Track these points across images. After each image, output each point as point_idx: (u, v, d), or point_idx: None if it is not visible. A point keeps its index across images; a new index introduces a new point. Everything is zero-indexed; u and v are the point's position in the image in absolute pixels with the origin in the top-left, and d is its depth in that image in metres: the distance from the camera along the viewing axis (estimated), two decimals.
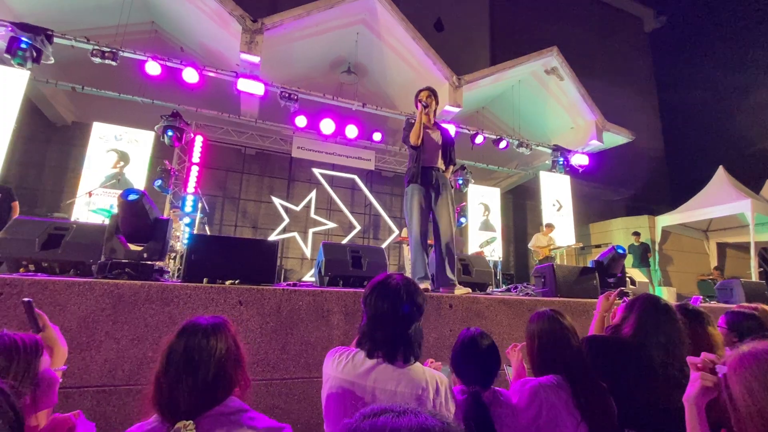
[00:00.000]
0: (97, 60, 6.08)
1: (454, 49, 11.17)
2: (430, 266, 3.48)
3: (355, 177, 10.52)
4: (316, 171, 10.12)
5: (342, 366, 1.26)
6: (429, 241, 3.49)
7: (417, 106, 3.48)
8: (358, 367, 1.24)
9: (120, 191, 7.20)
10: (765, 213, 8.96)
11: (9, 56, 5.68)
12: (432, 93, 3.49)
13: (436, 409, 1.19)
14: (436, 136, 3.51)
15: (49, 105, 8.11)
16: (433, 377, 1.26)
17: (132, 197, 2.57)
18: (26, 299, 1.23)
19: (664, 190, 15.91)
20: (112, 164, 7.21)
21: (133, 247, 2.59)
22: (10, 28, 5.67)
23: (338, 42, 8.01)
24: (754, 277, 8.29)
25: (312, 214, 10.24)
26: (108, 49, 6.12)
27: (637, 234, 9.92)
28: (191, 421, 0.92)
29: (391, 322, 1.27)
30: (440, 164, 3.51)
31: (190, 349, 1.00)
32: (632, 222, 11.22)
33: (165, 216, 6.95)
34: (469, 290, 3.28)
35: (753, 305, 2.17)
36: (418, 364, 1.30)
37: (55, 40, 6.00)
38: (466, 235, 9.80)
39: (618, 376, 1.49)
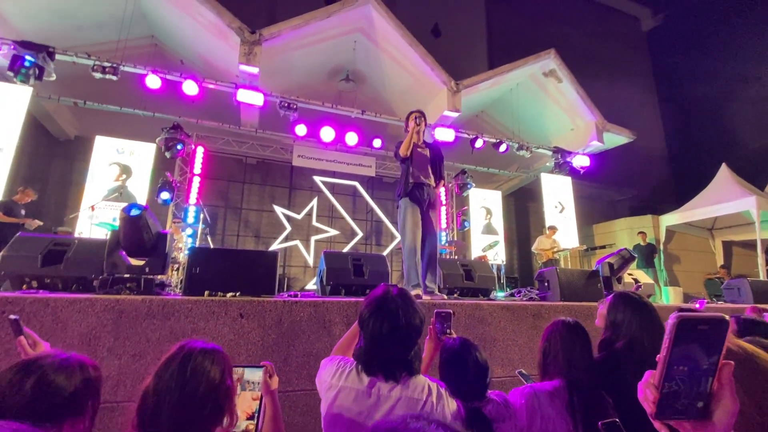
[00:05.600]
0: (98, 75, 6.16)
1: (452, 54, 11.21)
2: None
3: (356, 184, 10.53)
4: (317, 179, 10.14)
5: (346, 375, 1.27)
6: None
7: (407, 125, 3.81)
8: (363, 378, 1.26)
9: (123, 204, 7.27)
10: None
11: (12, 74, 5.76)
12: (421, 114, 3.78)
13: (438, 412, 1.21)
14: (426, 152, 3.82)
15: (52, 120, 8.20)
16: (433, 384, 1.28)
17: (134, 212, 2.58)
18: (12, 317, 1.19)
19: (668, 188, 15.81)
20: (114, 177, 7.27)
21: (134, 261, 2.60)
22: (12, 47, 5.76)
23: (336, 50, 8.07)
24: (762, 276, 8.20)
25: (314, 222, 10.24)
26: (109, 65, 6.19)
27: (643, 233, 9.84)
28: None
29: (390, 349, 1.25)
30: (431, 180, 3.75)
31: (185, 363, 0.99)
32: (636, 222, 11.13)
33: (167, 228, 7.01)
34: (444, 296, 3.42)
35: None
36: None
37: (57, 56, 6.07)
38: (468, 240, 9.76)
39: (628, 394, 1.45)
